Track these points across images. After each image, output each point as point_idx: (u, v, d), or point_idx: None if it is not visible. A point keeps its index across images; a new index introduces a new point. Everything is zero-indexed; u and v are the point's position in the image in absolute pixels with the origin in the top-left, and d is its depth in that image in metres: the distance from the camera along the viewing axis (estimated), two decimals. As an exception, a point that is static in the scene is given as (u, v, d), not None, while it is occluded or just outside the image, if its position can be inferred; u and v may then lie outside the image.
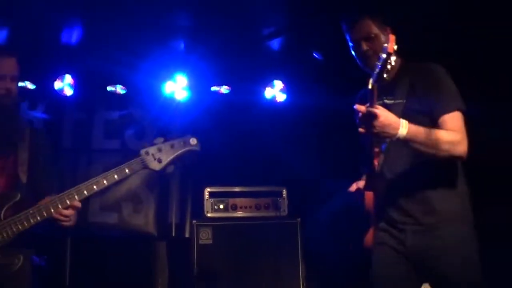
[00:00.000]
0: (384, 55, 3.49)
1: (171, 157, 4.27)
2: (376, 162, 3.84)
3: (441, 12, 5.62)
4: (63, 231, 6.38)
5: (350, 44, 4.10)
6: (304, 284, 6.28)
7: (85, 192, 4.08)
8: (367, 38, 3.99)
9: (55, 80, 6.78)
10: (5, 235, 3.98)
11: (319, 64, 6.84)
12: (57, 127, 6.89)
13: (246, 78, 7.14)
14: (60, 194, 4.03)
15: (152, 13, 5.88)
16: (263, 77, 7.23)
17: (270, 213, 6.57)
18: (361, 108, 3.57)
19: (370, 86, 3.58)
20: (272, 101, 7.25)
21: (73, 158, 6.84)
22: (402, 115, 3.69)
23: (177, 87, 6.90)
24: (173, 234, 6.90)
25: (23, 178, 4.23)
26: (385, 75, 3.63)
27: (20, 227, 3.98)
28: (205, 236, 6.31)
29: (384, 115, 3.55)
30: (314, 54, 6.72)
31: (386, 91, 3.95)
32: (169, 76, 6.89)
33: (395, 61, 3.80)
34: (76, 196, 4.05)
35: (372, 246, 4.12)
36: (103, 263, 6.71)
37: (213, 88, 7.16)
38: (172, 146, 4.27)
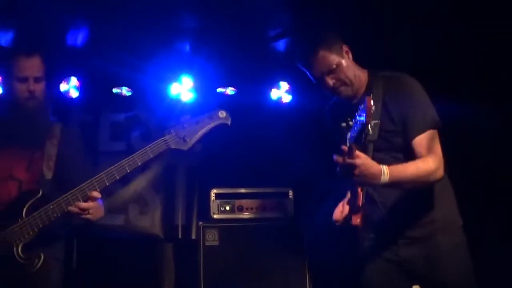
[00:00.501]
0: (361, 124, 3.40)
1: (198, 134, 4.04)
2: (360, 200, 3.79)
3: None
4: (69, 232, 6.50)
5: (312, 78, 4.08)
6: (311, 286, 6.28)
7: (106, 181, 3.97)
8: (329, 71, 3.93)
9: (61, 82, 6.77)
10: (25, 234, 3.92)
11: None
12: (63, 130, 6.88)
13: (252, 80, 7.13)
14: (79, 186, 3.94)
15: (157, 14, 5.87)
16: (269, 79, 7.23)
17: (277, 215, 6.58)
18: (339, 159, 3.49)
19: (347, 145, 3.53)
20: (278, 102, 7.24)
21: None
22: (378, 137, 3.68)
23: (183, 89, 6.89)
24: (180, 236, 6.89)
25: (48, 175, 4.16)
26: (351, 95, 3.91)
27: (40, 224, 3.92)
28: (212, 238, 6.31)
29: (364, 166, 3.46)
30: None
31: (358, 109, 3.77)
32: (175, 77, 6.88)
33: (359, 76, 3.95)
34: (96, 186, 3.96)
35: (363, 254, 4.13)
36: (109, 265, 6.70)
37: (219, 90, 7.15)
38: (197, 122, 4.05)
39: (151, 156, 3.96)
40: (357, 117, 3.48)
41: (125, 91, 7.00)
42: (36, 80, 4.16)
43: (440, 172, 3.76)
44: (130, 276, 6.69)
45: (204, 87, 6.99)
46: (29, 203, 3.99)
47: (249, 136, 7.01)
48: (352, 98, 4.03)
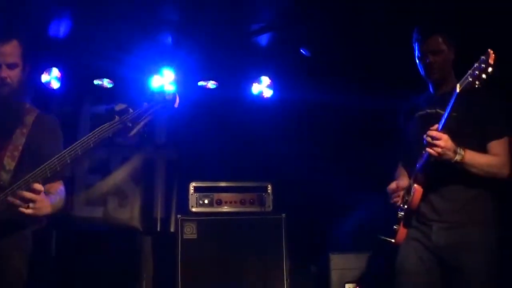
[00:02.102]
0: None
1: (142, 120, 3.89)
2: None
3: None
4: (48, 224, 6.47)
5: (417, 53, 4.43)
6: (288, 280, 6.29)
7: (48, 172, 3.73)
8: (435, 52, 4.32)
9: (42, 73, 6.75)
10: None
11: (306, 60, 6.84)
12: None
13: (233, 74, 7.14)
14: (24, 177, 3.72)
15: (140, 7, 5.87)
16: (250, 73, 7.22)
17: (255, 208, 6.57)
18: (431, 130, 3.99)
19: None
20: (259, 96, 7.24)
21: (59, 151, 6.81)
22: (454, 127, 4.01)
23: (164, 82, 6.87)
24: (158, 229, 6.90)
25: (10, 165, 3.95)
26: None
27: None
28: (190, 231, 6.30)
29: (449, 141, 3.96)
30: (301, 50, 6.72)
31: (440, 102, 4.27)
32: (156, 70, 6.86)
33: (451, 75, 4.40)
34: (39, 177, 3.72)
35: (403, 242, 4.38)
36: (88, 258, 6.68)
37: (200, 83, 7.15)
38: (142, 106, 3.94)
39: (92, 146, 3.84)
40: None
41: (106, 83, 6.98)
42: (10, 66, 3.98)
43: (507, 171, 4.16)
44: (109, 268, 6.68)
45: (186, 80, 6.97)
46: None
47: (229, 130, 7.02)
48: (436, 88, 4.45)
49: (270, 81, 7.23)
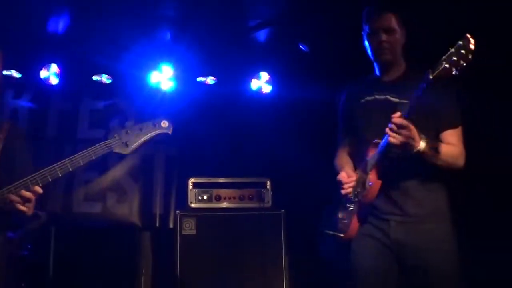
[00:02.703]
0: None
1: (140, 141, 4.13)
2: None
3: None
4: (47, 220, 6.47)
5: (368, 32, 4.25)
6: (287, 276, 6.29)
7: (49, 177, 3.91)
8: (387, 30, 4.15)
9: (41, 69, 6.77)
10: None
11: (305, 56, 6.84)
12: (42, 116, 6.87)
13: (232, 69, 7.14)
14: (21, 180, 3.86)
15: (138, 2, 5.86)
16: (249, 68, 7.24)
17: (254, 204, 6.57)
18: (396, 118, 3.75)
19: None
20: (258, 92, 7.25)
21: (58, 147, 6.81)
22: (408, 114, 3.81)
23: (163, 77, 6.89)
24: (157, 225, 6.90)
25: None
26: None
27: None
28: (189, 227, 6.30)
29: (413, 130, 3.76)
30: (300, 46, 6.72)
31: (390, 89, 4.17)
32: (155, 66, 6.88)
33: (401, 58, 4.26)
34: (39, 181, 3.88)
35: (356, 237, 4.19)
36: (87, 253, 6.69)
37: (199, 79, 7.16)
38: (141, 129, 4.13)
39: (93, 157, 4.03)
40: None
41: (105, 78, 6.99)
42: None
43: (462, 161, 4.06)
44: (108, 264, 6.70)
45: (184, 76, 6.99)
46: None
47: (228, 125, 7.02)
48: (384, 73, 4.30)
49: (269, 76, 7.24)
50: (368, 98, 4.28)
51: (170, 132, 4.24)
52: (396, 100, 4.11)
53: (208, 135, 6.88)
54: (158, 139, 4.25)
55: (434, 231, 4.00)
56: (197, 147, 6.85)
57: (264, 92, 7.25)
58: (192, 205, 6.48)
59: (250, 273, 6.28)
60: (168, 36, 6.77)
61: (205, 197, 6.51)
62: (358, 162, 4.33)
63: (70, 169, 3.98)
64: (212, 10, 6.09)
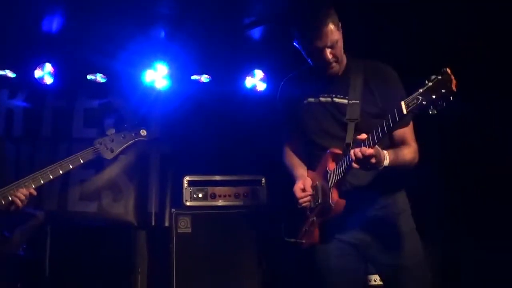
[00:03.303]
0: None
1: (122, 147, 4.66)
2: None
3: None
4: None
5: (309, 50, 4.08)
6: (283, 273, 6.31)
7: (41, 180, 4.31)
8: (332, 46, 3.95)
9: (35, 68, 6.75)
10: None
11: (299, 54, 6.82)
12: (37, 116, 6.85)
13: (226, 67, 7.14)
14: (16, 182, 4.22)
15: (132, 1, 5.86)
16: (244, 66, 7.23)
17: (249, 202, 6.60)
18: (358, 153, 3.56)
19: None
20: (253, 90, 7.25)
21: (53, 146, 6.80)
22: (360, 116, 3.83)
23: (157, 76, 6.89)
24: (153, 223, 6.89)
25: None
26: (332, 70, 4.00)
27: None
28: (184, 225, 6.32)
29: (379, 153, 3.64)
30: (294, 44, 6.71)
31: (335, 88, 4.04)
32: (149, 64, 6.87)
33: (343, 56, 4.06)
34: (32, 184, 4.26)
35: (318, 242, 4.16)
36: (83, 252, 6.69)
37: (194, 77, 7.15)
38: (123, 137, 4.66)
39: (81, 161, 4.51)
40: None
41: (99, 77, 6.98)
42: None
43: (418, 159, 4.00)
44: (104, 263, 6.70)
45: (179, 74, 6.99)
46: None
47: (222, 123, 7.02)
48: (332, 76, 4.09)
49: (263, 74, 7.24)
50: (311, 99, 4.15)
51: (147, 139, 4.81)
52: (344, 101, 3.99)
53: (203, 133, 6.88)
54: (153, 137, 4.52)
55: (401, 227, 4.03)
56: (192, 145, 6.84)
57: (258, 90, 7.25)
58: (188, 203, 6.50)
59: (246, 270, 6.30)
60: (163, 34, 6.77)
61: (200, 195, 6.52)
62: (311, 163, 4.29)
63: (61, 172, 4.41)
64: (207, 8, 6.10)
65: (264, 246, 6.38)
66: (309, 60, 4.15)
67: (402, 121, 3.50)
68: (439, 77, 3.19)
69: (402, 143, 3.99)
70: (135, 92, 6.90)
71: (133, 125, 4.82)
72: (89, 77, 6.96)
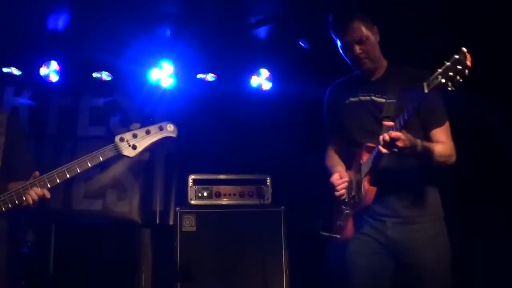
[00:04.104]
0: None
1: (147, 144, 4.15)
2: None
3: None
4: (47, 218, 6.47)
5: (340, 45, 4.22)
6: (287, 272, 6.30)
7: (57, 179, 3.91)
8: (359, 41, 4.11)
9: (41, 66, 6.76)
10: None
11: (305, 53, 6.83)
12: (42, 114, 6.86)
13: (232, 66, 7.14)
14: (31, 180, 3.88)
15: (138, -1, 5.87)
16: (249, 65, 7.24)
17: (254, 201, 6.58)
18: (386, 136, 3.72)
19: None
20: (258, 89, 7.25)
21: (58, 144, 6.81)
22: (395, 113, 3.87)
23: (163, 74, 6.89)
24: (157, 222, 6.90)
25: None
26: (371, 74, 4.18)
27: None
28: (189, 224, 6.31)
29: (409, 139, 3.76)
30: (300, 43, 6.72)
31: (374, 89, 4.17)
32: (155, 63, 6.88)
33: (381, 59, 4.24)
34: (48, 184, 3.89)
35: (352, 237, 4.22)
36: (87, 250, 6.70)
37: (199, 76, 7.16)
38: (148, 132, 4.15)
39: (101, 159, 4.04)
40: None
41: (105, 76, 6.99)
42: None
43: (454, 158, 4.10)
44: (108, 261, 6.71)
45: (184, 73, 6.99)
46: None
47: (228, 122, 7.02)
48: (368, 75, 4.27)
49: (269, 73, 7.24)
50: (352, 99, 4.28)
51: (175, 135, 4.29)
52: (382, 100, 4.11)
53: (208, 132, 6.88)
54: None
55: (427, 230, 4.07)
56: (197, 144, 6.83)
57: (264, 89, 7.25)
58: (192, 202, 6.49)
59: (250, 269, 6.30)
60: (168, 33, 6.77)
61: (205, 194, 6.51)
62: (349, 163, 4.35)
63: (79, 171, 3.99)
64: (212, 6, 6.08)
65: (268, 245, 6.37)
66: (344, 56, 4.28)
67: (424, 101, 3.64)
68: (456, 56, 3.39)
69: (438, 142, 4.09)
70: (141, 91, 6.91)
71: (159, 120, 4.26)
72: (94, 75, 6.97)
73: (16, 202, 3.83)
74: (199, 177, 6.59)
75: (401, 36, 5.69)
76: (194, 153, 6.89)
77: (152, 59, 6.88)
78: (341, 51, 4.27)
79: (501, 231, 6.01)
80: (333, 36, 4.28)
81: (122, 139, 4.08)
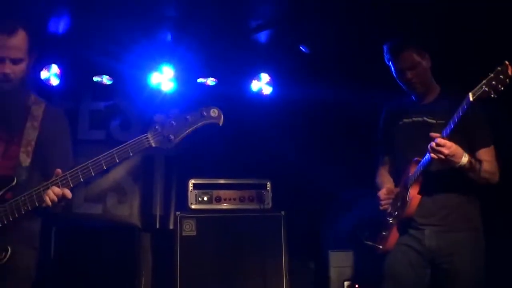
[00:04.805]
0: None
1: (185, 133, 3.72)
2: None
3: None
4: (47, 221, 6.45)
5: (394, 70, 4.55)
6: (287, 277, 6.29)
7: (81, 177, 3.60)
8: (411, 67, 4.43)
9: (42, 70, 6.74)
10: None
11: (305, 58, 6.83)
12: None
13: (232, 71, 7.12)
14: (52, 179, 3.59)
15: (139, 3, 5.84)
16: (250, 70, 7.22)
17: (254, 206, 6.58)
18: (438, 137, 4.00)
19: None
20: (259, 93, 7.24)
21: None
22: (447, 136, 4.03)
23: (163, 78, 6.88)
24: (157, 226, 6.91)
25: (25, 161, 3.78)
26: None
27: (10, 216, 3.61)
28: (189, 228, 6.31)
29: (454, 146, 4.01)
30: (300, 47, 6.71)
31: (426, 111, 4.45)
32: (156, 67, 6.87)
33: (433, 83, 4.52)
34: (70, 182, 3.58)
35: (393, 247, 4.48)
36: (87, 254, 6.67)
37: (200, 80, 7.14)
38: (186, 120, 3.71)
39: (131, 154, 3.65)
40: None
41: (105, 79, 6.98)
42: (14, 61, 3.72)
43: (497, 178, 4.33)
44: (108, 265, 6.68)
45: (185, 77, 6.98)
46: (1, 192, 3.67)
47: (228, 127, 6.98)
48: (421, 98, 4.55)
49: (269, 78, 7.23)
50: (406, 120, 4.56)
51: (220, 123, 3.88)
52: (433, 121, 4.37)
53: (209, 136, 6.83)
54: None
55: (464, 239, 4.28)
56: (197, 148, 6.81)
57: (264, 94, 7.24)
58: (192, 206, 6.49)
59: (250, 274, 6.30)
60: (169, 37, 6.76)
61: (205, 198, 6.51)
62: (398, 180, 4.56)
63: (105, 167, 3.63)
64: (213, 11, 6.08)
65: (269, 250, 6.36)
66: (397, 80, 4.56)
67: (470, 110, 3.85)
68: (499, 68, 3.71)
69: (484, 161, 4.29)
70: (141, 95, 6.90)
71: (198, 105, 3.80)
72: (95, 79, 6.97)
73: (36, 203, 3.60)
74: (200, 181, 6.59)
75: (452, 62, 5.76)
76: (195, 157, 6.87)
77: (153, 63, 6.87)
78: (395, 75, 4.54)
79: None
80: (387, 62, 4.60)
81: (155, 128, 3.69)
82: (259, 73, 7.21)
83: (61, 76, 6.79)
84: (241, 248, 6.34)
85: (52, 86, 6.79)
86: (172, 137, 3.69)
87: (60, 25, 6.39)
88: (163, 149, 3.73)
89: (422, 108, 4.48)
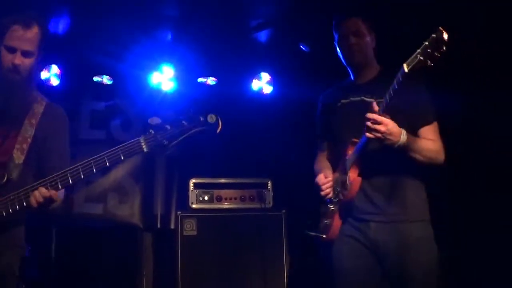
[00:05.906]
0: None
1: (180, 138, 3.62)
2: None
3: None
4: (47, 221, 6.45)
5: (337, 38, 4.37)
6: (288, 276, 6.30)
7: (70, 180, 3.53)
8: (356, 33, 4.26)
9: (42, 70, 6.74)
10: None
11: (306, 56, 6.83)
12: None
13: (233, 70, 7.14)
14: (42, 180, 3.56)
15: (139, 3, 5.85)
16: (250, 69, 7.24)
17: (255, 205, 6.57)
18: (371, 115, 3.79)
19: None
20: (259, 93, 7.26)
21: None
22: (383, 112, 3.84)
23: (163, 78, 6.90)
24: (158, 225, 6.91)
25: (19, 158, 3.75)
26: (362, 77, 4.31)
27: None
28: (190, 228, 6.31)
29: (391, 124, 3.80)
30: (301, 46, 6.71)
31: (365, 90, 4.23)
32: (156, 66, 6.88)
33: (373, 60, 4.37)
34: (59, 184, 3.53)
35: (337, 238, 4.22)
36: (88, 254, 6.68)
37: (200, 79, 7.14)
38: (182, 125, 3.63)
39: (122, 159, 3.58)
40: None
41: (106, 79, 6.99)
42: (25, 54, 3.76)
43: (443, 156, 4.09)
44: (109, 265, 6.70)
45: (185, 77, 6.99)
46: None
47: (229, 126, 6.98)
48: (359, 75, 4.36)
49: (270, 77, 7.24)
50: (344, 101, 4.36)
51: (218, 130, 3.81)
52: (372, 100, 4.10)
53: (209, 135, 6.87)
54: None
55: (413, 231, 4.03)
56: (198, 148, 6.82)
57: (265, 93, 7.25)
58: (193, 206, 6.49)
59: (251, 273, 6.29)
60: (169, 36, 6.78)
61: (206, 198, 6.51)
62: (337, 164, 4.35)
63: (95, 171, 3.57)
64: (213, 10, 6.09)
65: (269, 249, 6.36)
66: (339, 52, 4.40)
67: (406, 81, 3.64)
68: (433, 35, 3.46)
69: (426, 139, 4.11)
70: (142, 94, 6.92)
71: (195, 111, 3.72)
72: (95, 79, 6.97)
73: (24, 203, 3.56)
74: (200, 181, 6.59)
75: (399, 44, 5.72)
76: (195, 156, 6.87)
77: (153, 63, 6.88)
78: (337, 47, 4.39)
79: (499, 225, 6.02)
80: (333, 33, 4.42)
81: (149, 133, 3.59)
82: (260, 72, 7.23)
83: (61, 76, 6.81)
84: (242, 247, 6.33)
85: (52, 86, 6.80)
86: (165, 142, 3.62)
87: (60, 25, 6.39)
88: (156, 154, 3.62)
89: (360, 87, 4.27)
